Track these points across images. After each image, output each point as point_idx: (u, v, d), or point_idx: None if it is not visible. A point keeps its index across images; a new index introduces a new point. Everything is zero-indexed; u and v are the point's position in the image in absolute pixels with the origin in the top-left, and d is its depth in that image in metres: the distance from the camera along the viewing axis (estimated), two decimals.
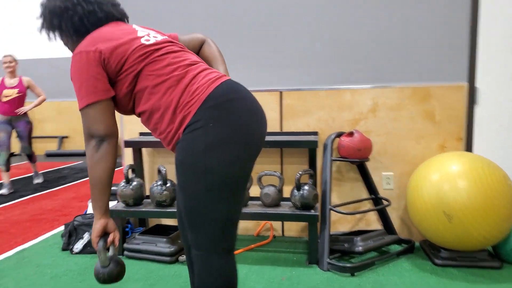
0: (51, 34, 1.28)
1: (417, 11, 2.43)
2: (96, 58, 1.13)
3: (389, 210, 2.56)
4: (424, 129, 2.48)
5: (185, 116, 1.13)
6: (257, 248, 2.52)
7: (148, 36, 1.22)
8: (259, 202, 2.47)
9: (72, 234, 2.55)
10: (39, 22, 1.32)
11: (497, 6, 2.35)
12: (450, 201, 1.98)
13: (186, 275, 2.15)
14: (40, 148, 7.81)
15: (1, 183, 4.83)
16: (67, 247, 2.54)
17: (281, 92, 2.61)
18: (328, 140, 2.48)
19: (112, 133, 1.15)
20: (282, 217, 2.27)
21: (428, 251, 2.29)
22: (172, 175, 2.75)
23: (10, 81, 4.35)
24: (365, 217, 2.62)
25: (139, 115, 1.23)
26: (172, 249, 2.32)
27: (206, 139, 1.09)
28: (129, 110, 1.24)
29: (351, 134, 2.37)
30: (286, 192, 2.66)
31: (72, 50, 1.30)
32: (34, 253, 2.54)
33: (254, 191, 2.67)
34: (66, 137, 7.78)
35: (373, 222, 2.61)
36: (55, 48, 7.51)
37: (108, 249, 1.22)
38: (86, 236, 2.51)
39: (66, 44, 1.31)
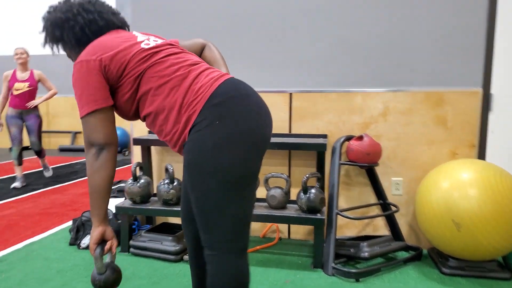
0: (55, 47, 1.31)
1: (431, 13, 2.38)
2: (96, 67, 1.15)
3: (397, 216, 2.52)
4: (436, 134, 2.43)
5: (190, 115, 1.13)
6: (262, 249, 2.51)
7: (148, 40, 1.23)
8: (265, 204, 2.46)
9: (79, 229, 2.58)
10: (42, 36, 1.35)
11: None
12: (459, 209, 1.94)
13: (190, 275, 2.15)
14: (53, 142, 7.94)
15: (14, 176, 4.93)
16: (75, 242, 2.57)
17: (290, 94, 2.60)
18: (336, 143, 2.46)
19: (111, 142, 1.17)
20: (288, 220, 2.26)
21: (436, 259, 2.25)
22: (179, 174, 2.76)
23: (21, 75, 4.33)
24: (372, 222, 2.59)
25: (144, 118, 1.24)
26: (177, 247, 2.32)
27: (213, 137, 1.09)
28: (131, 115, 1.25)
29: (360, 138, 2.34)
30: (293, 195, 2.64)
31: (75, 60, 1.32)
32: (43, 246, 2.58)
33: (261, 192, 2.66)
34: (80, 132, 7.89)
35: (380, 227, 2.58)
36: None
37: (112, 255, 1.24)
38: None
39: (69, 56, 1.33)
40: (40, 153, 4.57)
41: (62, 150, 7.49)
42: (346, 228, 2.62)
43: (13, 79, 4.30)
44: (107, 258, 1.25)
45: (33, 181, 4.66)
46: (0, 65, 7.93)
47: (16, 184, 4.30)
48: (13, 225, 3.02)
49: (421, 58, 2.42)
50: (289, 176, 2.66)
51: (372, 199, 2.57)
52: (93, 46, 1.18)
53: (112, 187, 3.20)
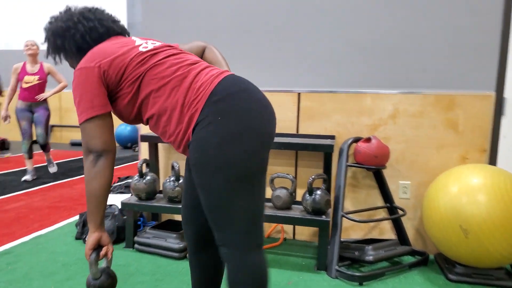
0: (57, 57, 1.32)
1: (444, 14, 2.34)
2: (95, 73, 1.15)
3: (404, 220, 2.48)
4: (446, 138, 2.39)
5: (193, 114, 1.13)
6: (267, 249, 2.50)
7: (146, 44, 1.24)
8: (270, 204, 2.45)
9: (85, 224, 2.60)
10: (45, 47, 1.36)
11: None
12: (467, 215, 1.90)
13: None
14: (65, 137, 8.04)
15: (25, 169, 5.00)
16: (80, 236, 2.60)
17: (299, 94, 2.57)
18: (344, 144, 2.43)
19: (109, 149, 1.18)
20: (292, 221, 2.24)
21: (443, 265, 2.21)
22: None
23: (31, 68, 4.31)
24: (379, 225, 2.55)
25: (147, 121, 1.24)
26: (181, 245, 2.33)
27: (217, 134, 1.09)
28: (132, 118, 1.25)
29: (368, 140, 2.31)
30: (299, 196, 2.62)
31: None
32: (49, 239, 2.60)
33: (266, 192, 2.65)
34: None
35: (386, 231, 2.54)
36: None
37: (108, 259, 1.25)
38: None
39: (71, 65, 1.34)
40: (45, 146, 4.48)
41: (74, 144, 7.59)
42: (352, 231, 2.59)
43: (23, 72, 4.28)
44: (103, 263, 1.26)
45: (43, 175, 4.72)
46: (10, 60, 8.06)
47: (27, 177, 4.36)
48: (22, 218, 3.07)
49: (433, 60, 2.38)
50: (295, 176, 2.64)
51: (379, 202, 2.53)
52: (92, 53, 1.19)
53: (120, 183, 3.22)
